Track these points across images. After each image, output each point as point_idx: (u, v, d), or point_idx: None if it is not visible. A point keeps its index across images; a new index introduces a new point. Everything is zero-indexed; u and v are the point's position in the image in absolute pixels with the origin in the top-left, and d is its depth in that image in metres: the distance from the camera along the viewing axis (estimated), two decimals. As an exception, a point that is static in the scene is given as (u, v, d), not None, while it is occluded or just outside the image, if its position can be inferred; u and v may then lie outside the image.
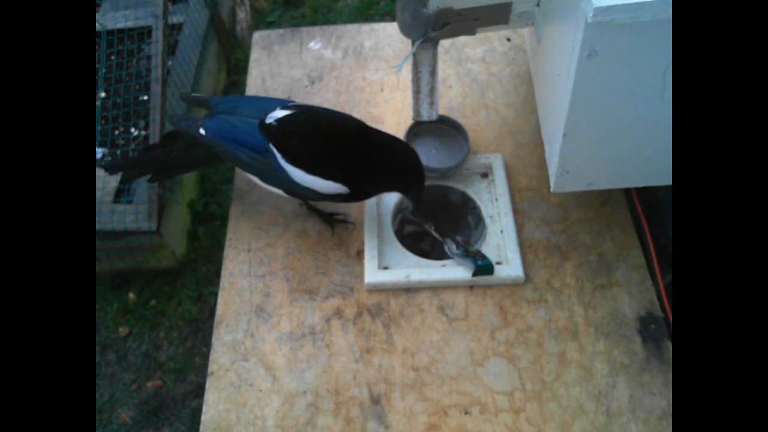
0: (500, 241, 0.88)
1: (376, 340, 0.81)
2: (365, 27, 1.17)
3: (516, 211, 0.91)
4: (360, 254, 0.88)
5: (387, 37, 1.15)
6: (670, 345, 0.80)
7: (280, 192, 0.85)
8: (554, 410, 0.75)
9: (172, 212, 1.69)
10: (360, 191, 0.83)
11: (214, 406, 0.78)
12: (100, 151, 1.72)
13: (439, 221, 1.01)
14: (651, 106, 0.68)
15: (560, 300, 0.84)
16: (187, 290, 1.73)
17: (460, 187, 0.94)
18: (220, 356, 0.81)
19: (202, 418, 0.77)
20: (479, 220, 0.92)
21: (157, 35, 1.68)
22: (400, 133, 0.96)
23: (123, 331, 1.68)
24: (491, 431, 0.74)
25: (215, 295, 1.04)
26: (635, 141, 0.73)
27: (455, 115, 0.98)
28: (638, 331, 0.81)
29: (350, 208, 0.93)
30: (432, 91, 0.88)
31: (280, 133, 0.81)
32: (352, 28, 1.17)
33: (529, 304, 0.84)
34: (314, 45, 1.15)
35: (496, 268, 0.85)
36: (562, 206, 0.92)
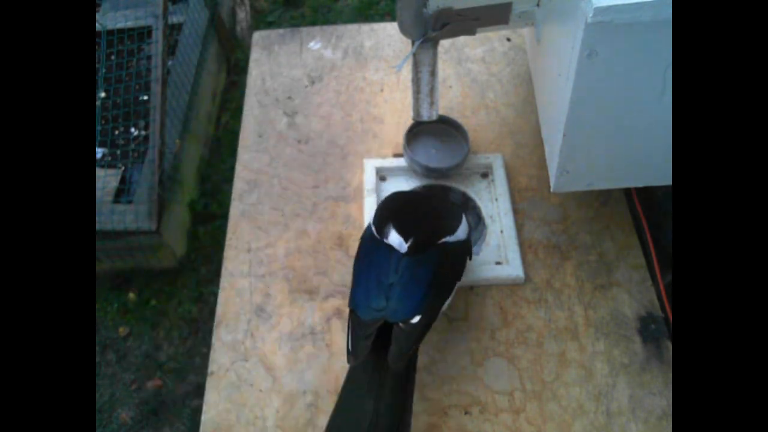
0: (500, 241, 0.88)
1: (376, 340, 0.81)
2: (365, 27, 1.17)
3: (516, 211, 0.91)
4: (360, 254, 0.88)
5: (387, 37, 1.15)
6: (670, 345, 0.80)
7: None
8: (554, 410, 0.75)
9: (172, 212, 1.70)
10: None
11: (214, 406, 0.78)
12: (100, 151, 1.72)
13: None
14: (651, 106, 0.68)
15: (560, 300, 0.84)
16: (187, 290, 1.73)
17: (460, 187, 0.94)
18: (220, 356, 0.81)
19: (202, 418, 0.77)
20: (479, 220, 0.92)
21: (157, 35, 1.68)
22: (400, 132, 0.96)
23: (123, 331, 1.68)
24: (491, 431, 0.74)
25: (215, 295, 1.04)
26: (635, 141, 0.73)
27: (455, 115, 0.98)
28: (638, 331, 0.81)
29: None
30: (432, 91, 0.88)
31: (416, 234, 0.72)
32: (352, 28, 1.17)
33: (529, 304, 0.84)
34: (314, 45, 1.15)
35: (497, 268, 0.85)
36: (562, 206, 0.92)
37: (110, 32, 1.83)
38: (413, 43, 0.82)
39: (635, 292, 0.84)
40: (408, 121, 0.95)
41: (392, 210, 0.77)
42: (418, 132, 0.97)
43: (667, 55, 0.63)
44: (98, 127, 1.73)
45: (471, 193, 0.93)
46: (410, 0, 0.78)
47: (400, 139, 0.95)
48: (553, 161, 0.79)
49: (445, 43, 1.10)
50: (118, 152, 1.71)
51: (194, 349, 1.64)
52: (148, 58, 1.82)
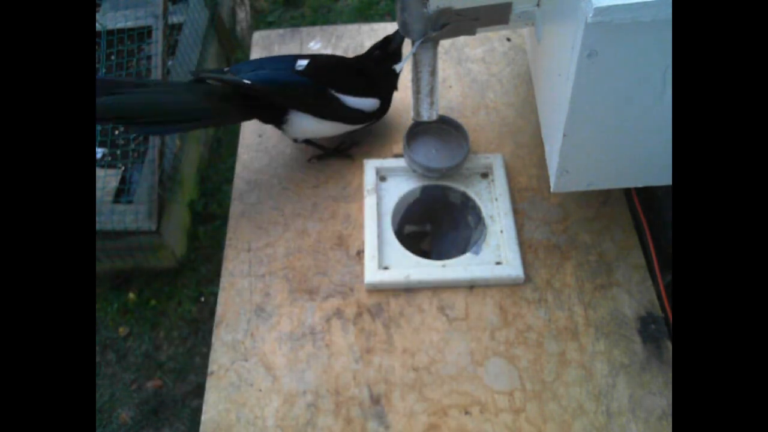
0: (500, 241, 0.88)
1: (376, 340, 0.81)
2: (365, 27, 1.17)
3: (516, 211, 0.91)
4: (360, 254, 0.88)
5: (387, 37, 1.14)
6: (670, 345, 0.80)
7: (333, 131, 0.95)
8: (554, 410, 0.75)
9: (172, 212, 1.70)
10: (384, 98, 0.97)
11: (214, 406, 0.78)
12: (100, 151, 1.72)
13: (438, 221, 1.01)
14: (651, 106, 0.68)
15: (560, 300, 0.84)
16: (187, 290, 1.73)
17: (460, 187, 0.94)
18: (220, 356, 0.81)
19: (202, 418, 0.77)
20: (479, 220, 0.92)
21: (157, 35, 1.68)
22: (400, 132, 0.96)
23: (123, 331, 1.68)
24: (491, 431, 0.74)
25: (215, 295, 1.04)
26: (635, 141, 0.73)
27: (455, 115, 0.98)
28: (638, 331, 0.81)
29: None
30: (432, 91, 0.88)
31: (317, 73, 0.91)
32: (352, 28, 1.17)
33: (529, 304, 0.84)
34: (314, 45, 1.15)
35: (497, 268, 0.85)
36: (562, 206, 0.92)
37: (110, 32, 1.83)
38: (413, 43, 0.82)
39: (635, 292, 0.84)
40: (408, 121, 0.95)
41: (328, 59, 0.99)
42: (418, 132, 0.97)
43: (667, 55, 0.63)
44: (98, 127, 1.73)
45: (471, 193, 0.93)
46: (410, 0, 0.78)
47: (400, 139, 0.95)
48: (553, 161, 0.79)
49: (445, 43, 1.10)
50: (118, 152, 1.71)
51: (194, 349, 1.64)
52: (148, 58, 1.82)
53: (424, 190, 0.95)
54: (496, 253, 0.87)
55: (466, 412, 0.76)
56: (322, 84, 0.91)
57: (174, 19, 1.90)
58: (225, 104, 0.88)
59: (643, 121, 0.70)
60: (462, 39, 1.11)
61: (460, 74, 1.08)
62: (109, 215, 1.57)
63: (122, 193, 1.66)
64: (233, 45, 2.23)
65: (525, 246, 0.88)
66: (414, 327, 0.82)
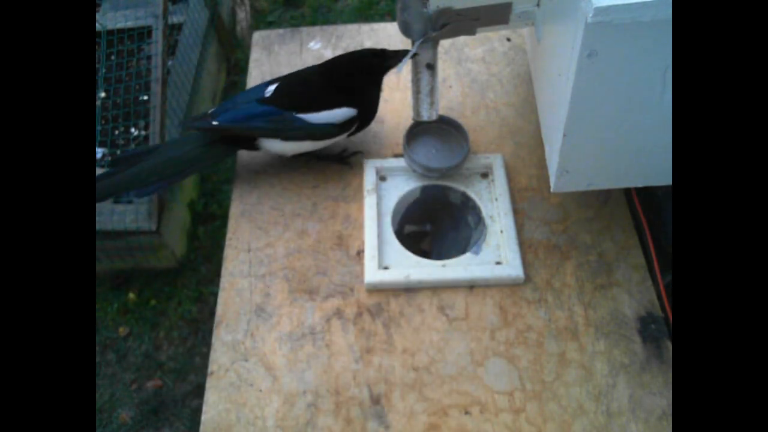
0: (500, 241, 0.88)
1: (376, 340, 0.81)
2: (365, 27, 1.17)
3: (516, 211, 0.91)
4: (360, 254, 0.88)
5: (387, 37, 1.15)
6: (670, 345, 0.80)
7: (305, 148, 0.95)
8: (554, 410, 0.75)
9: (172, 212, 1.70)
10: (365, 106, 0.94)
11: (214, 406, 0.78)
12: (100, 151, 1.72)
13: (438, 221, 1.01)
14: (651, 106, 0.68)
15: (560, 300, 0.84)
16: (187, 290, 1.73)
17: (460, 187, 0.94)
18: (220, 356, 0.81)
19: (202, 418, 0.77)
20: (479, 220, 0.92)
21: (157, 35, 1.68)
22: (400, 132, 0.96)
23: (123, 331, 1.68)
24: (491, 431, 0.74)
25: (215, 295, 1.04)
26: (635, 141, 0.73)
27: (455, 115, 0.98)
28: (638, 331, 0.81)
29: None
30: (432, 91, 0.88)
31: (280, 97, 0.93)
32: (352, 28, 1.17)
33: (529, 304, 0.84)
34: (314, 45, 1.15)
35: (497, 268, 0.85)
36: (562, 206, 0.92)
37: (110, 32, 1.83)
38: (413, 43, 0.82)
39: (635, 292, 0.84)
40: (408, 121, 0.95)
41: (296, 77, 0.97)
42: (418, 132, 0.97)
43: (667, 55, 0.63)
44: (98, 127, 1.73)
45: (471, 193, 0.93)
46: (410, 0, 0.78)
47: (400, 139, 0.95)
48: (553, 161, 0.79)
49: (445, 43, 1.10)
50: (118, 152, 1.71)
51: (194, 349, 1.64)
52: (148, 58, 1.82)
53: (424, 190, 0.95)
54: (496, 253, 0.87)
55: (466, 412, 0.76)
56: (284, 108, 0.92)
57: (174, 19, 1.90)
58: (212, 147, 0.95)
59: (643, 121, 0.70)
60: (462, 39, 1.11)
61: (460, 74, 1.08)
62: (109, 215, 1.57)
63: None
64: (233, 45, 2.23)
65: (525, 246, 0.88)
66: (414, 327, 0.82)
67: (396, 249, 0.88)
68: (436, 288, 0.85)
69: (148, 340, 1.66)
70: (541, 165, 0.90)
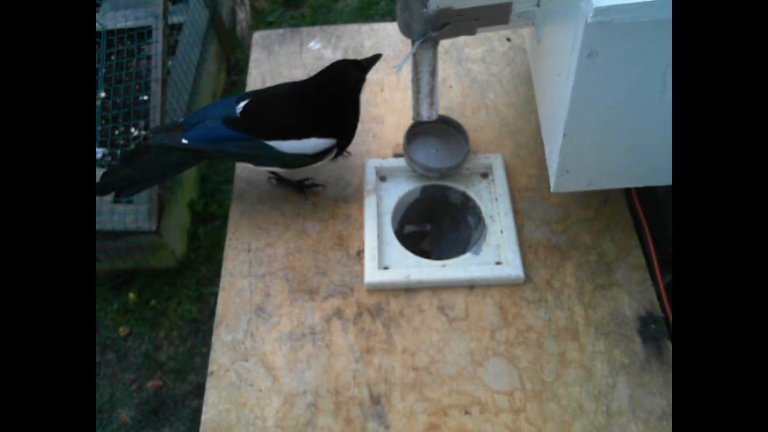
0: (500, 241, 0.88)
1: (376, 340, 0.81)
2: (365, 27, 1.17)
3: (516, 211, 0.91)
4: (360, 254, 0.88)
5: (387, 37, 1.15)
6: (670, 345, 0.80)
7: (279, 170, 0.93)
8: (554, 410, 0.75)
9: (172, 212, 1.69)
10: (342, 132, 0.89)
11: (214, 406, 0.78)
12: (100, 151, 1.72)
13: (438, 221, 1.01)
14: (651, 106, 0.68)
15: (560, 300, 0.84)
16: (187, 290, 1.73)
17: (460, 187, 0.94)
18: (220, 356, 0.81)
19: (202, 418, 0.77)
20: (479, 220, 0.92)
21: (157, 35, 1.68)
22: (400, 132, 0.96)
23: (123, 331, 1.68)
24: (491, 431, 0.74)
25: (215, 295, 1.04)
26: (635, 141, 0.73)
27: (455, 115, 0.98)
28: (638, 331, 0.81)
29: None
30: (432, 91, 0.88)
31: (248, 120, 0.88)
32: (352, 28, 1.17)
33: (529, 304, 0.84)
34: (314, 45, 1.15)
35: (497, 268, 0.85)
36: (562, 206, 0.92)
37: (110, 32, 1.82)
38: (413, 43, 0.82)
39: (635, 292, 0.84)
40: (408, 121, 0.95)
41: (269, 97, 0.92)
42: (418, 132, 0.97)
43: (667, 55, 0.63)
44: (98, 127, 1.72)
45: (471, 193, 0.93)
46: (410, 0, 0.78)
47: (400, 139, 0.95)
48: (553, 161, 0.79)
49: (445, 43, 1.10)
50: (118, 152, 1.71)
51: (194, 349, 1.64)
52: (148, 58, 1.82)
53: (424, 190, 0.95)
54: (496, 253, 0.87)
55: (466, 412, 0.76)
56: (252, 133, 0.86)
57: (174, 19, 1.90)
58: (185, 154, 0.90)
59: (643, 121, 0.70)
60: (462, 39, 1.11)
61: (460, 74, 1.08)
62: (109, 215, 1.57)
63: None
64: (233, 45, 2.23)
65: (525, 246, 0.88)
66: (414, 327, 0.82)
67: (396, 249, 0.88)
68: (436, 288, 0.85)
69: (148, 340, 1.66)
70: (541, 165, 0.90)
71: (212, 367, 0.81)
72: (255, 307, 0.85)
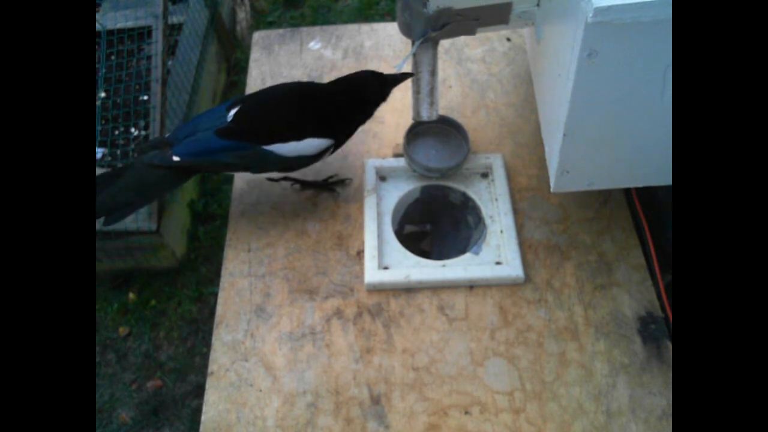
0: (500, 241, 0.88)
1: (376, 340, 0.81)
2: (365, 27, 1.17)
3: (516, 211, 0.91)
4: (360, 254, 0.88)
5: (387, 37, 1.15)
6: (670, 345, 0.80)
7: (277, 174, 0.91)
8: (554, 410, 0.75)
9: (172, 212, 1.70)
10: (340, 135, 0.88)
11: (214, 406, 0.78)
12: (100, 151, 1.72)
13: (438, 221, 1.01)
14: (651, 106, 0.68)
15: (560, 300, 0.84)
16: (187, 290, 1.73)
17: (460, 187, 0.94)
18: (220, 356, 0.81)
19: (202, 418, 0.77)
20: (479, 220, 0.92)
21: (157, 35, 1.68)
22: (400, 132, 0.96)
23: (123, 331, 1.68)
24: (491, 431, 0.74)
25: (215, 295, 1.04)
26: (635, 141, 0.73)
27: (455, 115, 0.98)
28: (638, 331, 0.81)
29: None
30: (432, 91, 0.88)
31: (242, 127, 0.84)
32: (352, 28, 1.17)
33: (529, 304, 0.84)
34: (314, 45, 1.15)
35: (497, 268, 0.85)
36: (562, 206, 0.92)
37: (110, 32, 1.83)
38: (413, 43, 0.82)
39: (635, 292, 0.84)
40: (408, 121, 0.95)
41: (263, 99, 0.89)
42: (418, 132, 0.97)
43: (667, 55, 0.63)
44: (98, 127, 1.73)
45: (471, 193, 0.93)
46: (410, 0, 0.78)
47: (400, 139, 0.95)
48: (553, 161, 0.79)
49: (445, 43, 1.10)
50: (118, 152, 1.71)
51: (194, 349, 1.64)
52: (148, 58, 1.82)
53: (424, 190, 0.95)
54: (496, 253, 0.87)
55: (466, 412, 0.76)
56: (249, 140, 0.83)
57: (174, 19, 1.90)
58: (174, 172, 0.87)
59: (643, 121, 0.70)
60: (462, 39, 1.11)
61: (460, 74, 1.08)
62: (109, 215, 1.57)
63: (122, 193, 1.65)
64: (233, 45, 2.23)
65: (525, 246, 0.88)
66: (414, 327, 0.82)
67: (396, 249, 0.88)
68: (436, 288, 0.85)
69: (148, 340, 1.66)
70: (541, 165, 0.90)
71: (212, 367, 0.81)
72: (255, 307, 0.85)
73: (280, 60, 1.13)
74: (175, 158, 0.84)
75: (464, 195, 0.94)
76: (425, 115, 0.90)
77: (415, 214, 0.97)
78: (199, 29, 1.98)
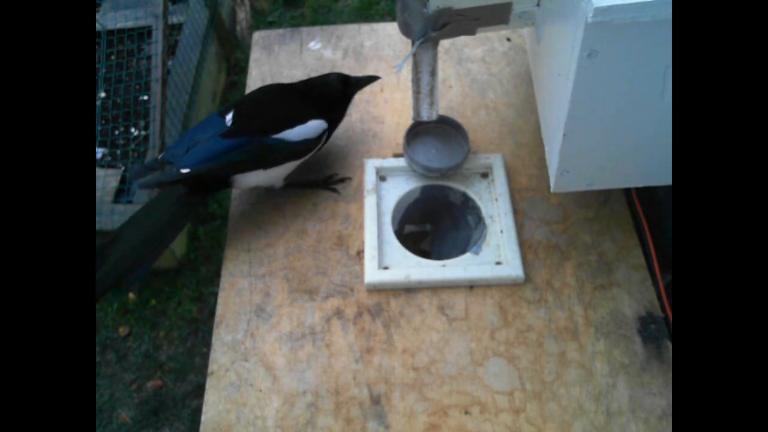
0: (500, 241, 0.88)
1: (376, 340, 0.81)
2: (365, 27, 1.17)
3: (516, 211, 0.91)
4: (360, 254, 0.88)
5: (387, 37, 1.15)
6: (670, 345, 0.80)
7: (282, 173, 0.91)
8: (554, 410, 0.75)
9: (172, 212, 1.69)
10: (332, 116, 0.92)
11: (214, 406, 0.78)
12: (100, 151, 1.72)
13: (438, 221, 1.01)
14: (651, 106, 0.68)
15: (560, 300, 0.84)
16: (187, 290, 1.73)
17: (460, 187, 0.94)
18: (220, 356, 0.81)
19: (202, 418, 0.77)
20: (479, 220, 0.92)
21: (157, 35, 1.69)
22: (400, 132, 0.96)
23: (123, 331, 1.68)
24: (491, 431, 0.74)
25: (215, 295, 1.04)
26: (635, 141, 0.73)
27: (455, 115, 0.98)
28: (638, 331, 0.81)
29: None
30: (432, 91, 0.88)
31: (245, 124, 0.87)
32: (352, 28, 1.17)
33: (529, 304, 0.84)
34: (314, 45, 1.15)
35: (497, 268, 0.85)
36: (562, 206, 0.92)
37: (110, 32, 1.83)
38: (413, 43, 0.82)
39: (635, 292, 0.84)
40: (408, 121, 0.95)
41: (256, 97, 0.92)
42: (418, 132, 0.97)
43: (667, 55, 0.63)
44: (98, 127, 1.73)
45: (471, 193, 0.93)
46: (410, 0, 0.78)
47: (400, 139, 0.95)
48: (553, 161, 0.79)
49: (445, 43, 1.10)
50: (118, 152, 1.71)
51: (194, 349, 1.64)
52: (148, 58, 1.82)
53: (424, 190, 0.95)
54: (496, 253, 0.87)
55: (466, 412, 0.76)
56: (255, 133, 0.85)
57: (174, 19, 1.90)
58: (181, 203, 0.84)
59: (643, 121, 0.70)
60: (462, 39, 1.11)
61: (460, 74, 1.08)
62: (109, 215, 1.57)
63: (122, 193, 1.66)
64: (233, 45, 2.23)
65: (525, 246, 0.88)
66: (414, 327, 0.82)
67: (396, 249, 0.88)
68: (436, 288, 0.85)
69: (148, 340, 1.66)
70: (541, 165, 0.90)
71: (212, 367, 0.81)
72: (255, 307, 0.85)
73: (280, 60, 1.13)
74: (184, 170, 0.82)
75: (464, 195, 0.94)
76: (425, 115, 0.90)
77: (415, 214, 0.97)
78: (199, 29, 1.98)
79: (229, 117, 0.87)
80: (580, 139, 0.73)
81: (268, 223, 0.93)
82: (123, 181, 1.68)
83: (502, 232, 0.88)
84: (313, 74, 1.10)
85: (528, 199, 0.93)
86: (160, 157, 0.87)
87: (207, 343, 1.57)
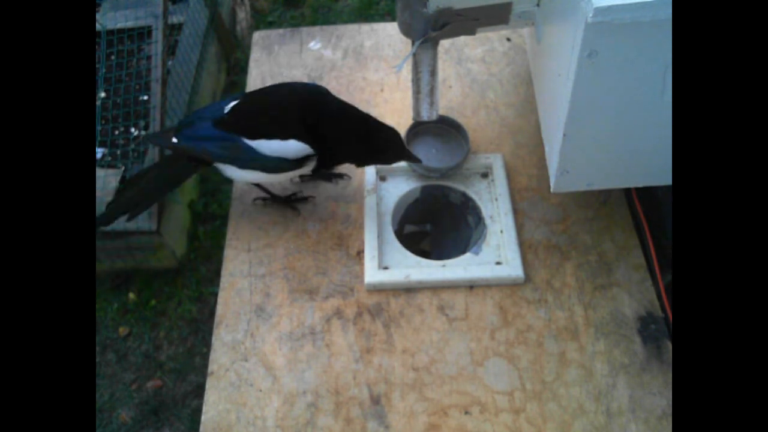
0: (500, 241, 0.88)
1: (376, 340, 0.81)
2: (365, 27, 1.17)
3: (516, 211, 0.91)
4: (360, 254, 0.88)
5: (387, 37, 1.15)
6: (670, 345, 0.80)
7: (257, 178, 0.89)
8: (554, 410, 0.75)
9: (172, 212, 1.69)
10: (327, 148, 0.83)
11: (214, 406, 0.78)
12: (100, 151, 1.72)
13: (438, 221, 1.01)
14: (651, 106, 0.68)
15: (560, 300, 0.84)
16: (187, 290, 1.73)
17: (460, 187, 0.94)
18: (220, 356, 0.81)
19: (202, 418, 0.77)
20: (479, 220, 0.92)
21: (157, 35, 1.68)
22: (400, 132, 0.96)
23: (123, 331, 1.68)
24: (491, 431, 0.74)
25: (215, 295, 1.04)
26: (635, 141, 0.73)
27: (455, 115, 0.98)
28: (638, 331, 0.81)
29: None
30: (432, 91, 0.88)
31: (233, 119, 0.86)
32: (352, 28, 1.17)
33: (529, 304, 0.84)
34: (314, 45, 1.15)
35: (497, 268, 0.85)
36: (562, 206, 0.92)
37: (110, 32, 1.83)
38: (413, 43, 0.82)
39: (635, 292, 0.84)
40: (408, 121, 0.95)
41: (260, 97, 0.90)
42: (418, 132, 0.97)
43: (667, 55, 0.63)
44: (98, 127, 1.73)
45: (471, 193, 0.93)
46: (410, 0, 0.78)
47: (400, 139, 0.95)
48: (553, 161, 0.79)
49: (445, 43, 1.10)
50: (118, 152, 1.71)
51: (194, 349, 1.64)
52: (148, 58, 1.82)
53: (424, 190, 0.95)
54: (496, 253, 0.87)
55: (466, 412, 0.76)
56: (234, 132, 0.84)
57: (174, 19, 1.90)
58: (178, 163, 0.92)
59: (643, 121, 0.70)
60: (462, 39, 1.11)
61: (460, 74, 1.08)
62: (109, 215, 1.57)
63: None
64: (233, 45, 2.22)
65: (525, 246, 0.88)
66: (414, 327, 0.82)
67: (396, 249, 0.88)
68: (436, 288, 0.85)
69: (148, 340, 1.66)
70: (541, 165, 0.90)
71: (212, 367, 0.81)
72: (255, 307, 0.85)
73: (280, 60, 1.13)
74: (174, 140, 0.88)
75: (464, 195, 0.94)
76: (425, 115, 0.90)
77: (415, 214, 0.97)
78: (199, 29, 1.98)
79: (229, 106, 0.87)
80: (580, 139, 0.73)
81: (268, 223, 0.93)
82: (123, 181, 1.68)
83: (502, 232, 0.88)
84: (313, 74, 1.10)
85: (528, 199, 0.93)
86: (180, 120, 0.95)
87: (207, 343, 1.57)
